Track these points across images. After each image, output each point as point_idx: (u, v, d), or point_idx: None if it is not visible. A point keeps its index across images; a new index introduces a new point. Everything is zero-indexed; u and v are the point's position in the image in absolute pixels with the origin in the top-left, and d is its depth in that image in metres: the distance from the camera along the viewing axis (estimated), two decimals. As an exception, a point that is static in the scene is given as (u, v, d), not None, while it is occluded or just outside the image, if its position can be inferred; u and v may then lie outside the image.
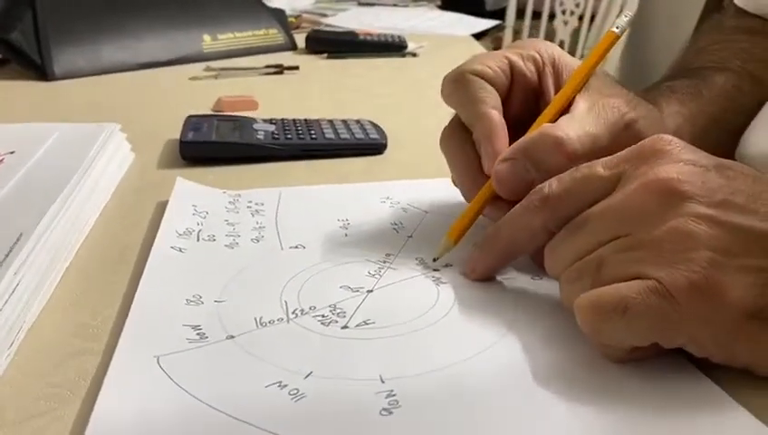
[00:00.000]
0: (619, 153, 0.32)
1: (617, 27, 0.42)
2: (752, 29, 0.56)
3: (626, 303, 0.28)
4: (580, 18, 2.16)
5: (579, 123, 0.37)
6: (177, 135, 0.57)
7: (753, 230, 0.28)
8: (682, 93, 0.49)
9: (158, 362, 0.30)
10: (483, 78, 0.40)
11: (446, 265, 0.38)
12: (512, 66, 0.41)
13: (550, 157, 0.36)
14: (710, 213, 0.28)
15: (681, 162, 0.30)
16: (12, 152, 0.48)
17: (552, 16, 2.20)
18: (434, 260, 0.38)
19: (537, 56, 0.42)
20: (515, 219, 0.34)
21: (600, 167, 0.32)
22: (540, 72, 0.42)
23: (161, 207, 0.46)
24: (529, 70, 0.41)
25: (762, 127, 0.49)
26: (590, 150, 0.36)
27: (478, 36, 1.29)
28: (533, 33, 2.22)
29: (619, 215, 0.30)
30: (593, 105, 0.38)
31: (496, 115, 0.38)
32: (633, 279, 0.28)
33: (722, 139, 0.49)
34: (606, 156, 0.36)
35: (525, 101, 0.42)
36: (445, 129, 0.42)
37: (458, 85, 0.40)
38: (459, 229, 0.38)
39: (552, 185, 0.33)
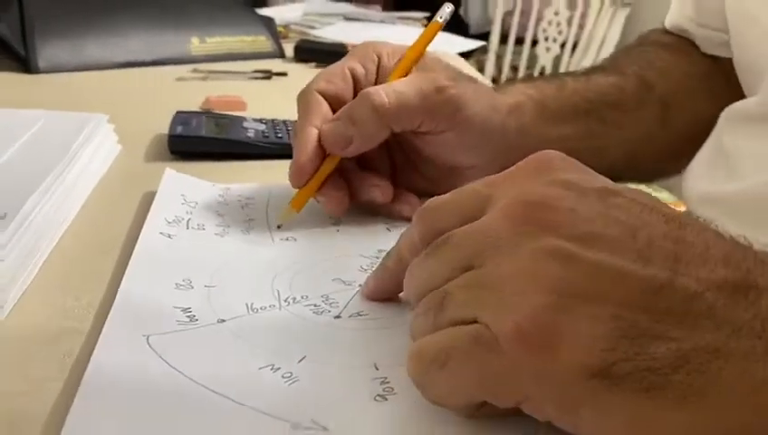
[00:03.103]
0: (506, 170, 0.29)
1: (440, 17, 0.45)
2: (665, 44, 0.57)
3: (446, 353, 0.24)
4: (563, 46, 2.20)
5: (390, 84, 0.41)
6: (164, 131, 0.56)
7: (616, 271, 0.23)
8: (539, 81, 0.50)
9: (148, 341, 0.29)
10: (324, 94, 0.43)
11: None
12: (353, 73, 0.44)
13: (361, 110, 0.40)
14: (567, 248, 0.23)
15: (554, 183, 0.26)
16: (-4, 136, 0.47)
17: (534, 43, 2.24)
18: (278, 227, 0.41)
19: (374, 56, 0.44)
20: (403, 236, 0.32)
21: (479, 183, 0.29)
22: (379, 66, 0.44)
23: (148, 198, 0.45)
24: (369, 70, 0.44)
25: (698, 165, 0.49)
26: (396, 105, 0.40)
27: (463, 57, 1.30)
28: (516, 58, 2.25)
29: (475, 241, 0.26)
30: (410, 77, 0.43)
31: (312, 132, 0.41)
32: (472, 323, 0.24)
33: (593, 128, 0.48)
34: (419, 116, 0.41)
35: None
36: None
37: (299, 101, 0.43)
38: (301, 200, 0.42)
39: (431, 199, 0.30)
